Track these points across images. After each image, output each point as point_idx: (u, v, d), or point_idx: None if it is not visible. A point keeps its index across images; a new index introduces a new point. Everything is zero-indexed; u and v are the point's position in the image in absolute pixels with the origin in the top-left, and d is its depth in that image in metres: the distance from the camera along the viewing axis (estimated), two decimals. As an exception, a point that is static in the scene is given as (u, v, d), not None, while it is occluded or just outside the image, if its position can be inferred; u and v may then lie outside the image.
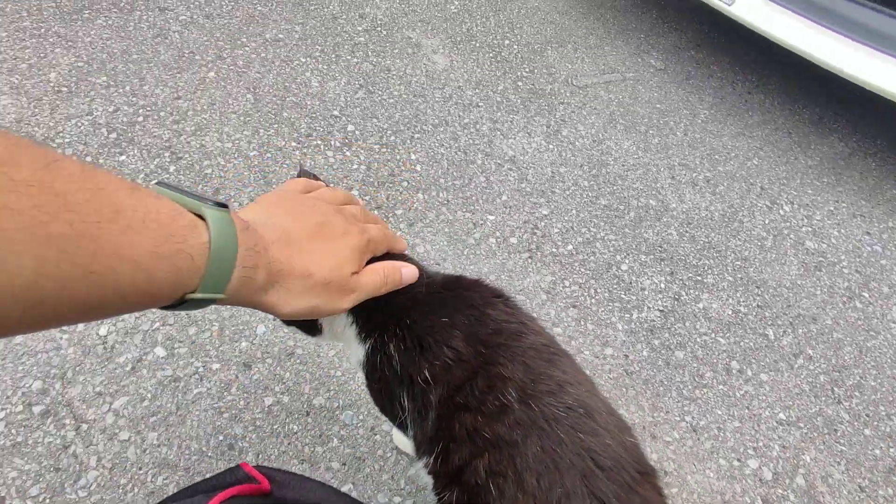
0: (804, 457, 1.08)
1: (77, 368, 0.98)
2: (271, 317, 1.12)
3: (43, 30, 1.70)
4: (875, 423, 1.16)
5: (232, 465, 0.91)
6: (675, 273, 1.37)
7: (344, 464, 0.95)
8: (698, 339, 1.24)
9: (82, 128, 1.44)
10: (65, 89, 1.54)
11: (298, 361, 1.06)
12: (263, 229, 0.41)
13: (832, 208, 1.65)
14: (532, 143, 1.66)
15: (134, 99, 1.54)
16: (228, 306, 1.13)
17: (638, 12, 2.41)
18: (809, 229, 1.56)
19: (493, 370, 0.52)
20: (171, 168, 1.37)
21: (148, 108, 1.53)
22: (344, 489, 0.92)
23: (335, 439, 0.97)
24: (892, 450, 1.13)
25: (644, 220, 1.49)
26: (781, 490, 1.02)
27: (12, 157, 0.24)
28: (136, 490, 0.87)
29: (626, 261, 1.38)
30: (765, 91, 2.09)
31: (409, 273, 0.54)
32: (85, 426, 0.92)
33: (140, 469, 0.89)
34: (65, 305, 0.27)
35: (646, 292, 1.31)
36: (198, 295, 0.35)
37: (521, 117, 1.74)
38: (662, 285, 1.34)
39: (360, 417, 1.01)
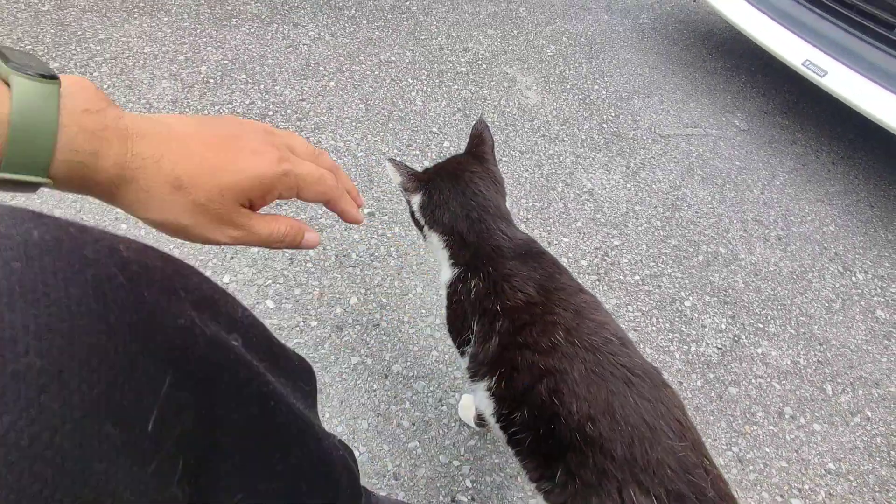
0: (851, 508, 1.09)
1: (203, 305, 1.16)
2: (363, 290, 1.28)
3: (199, 30, 2.01)
4: (931, 493, 1.15)
5: (320, 405, 1.05)
6: (737, 317, 1.42)
7: (413, 424, 1.06)
8: (753, 381, 1.28)
9: (223, 114, 1.69)
10: (212, 81, 1.81)
11: (382, 332, 1.20)
12: (143, 123, 0.37)
13: (908, 283, 1.65)
14: (611, 180, 1.77)
15: (266, 96, 1.79)
16: (322, 275, 1.30)
17: (727, 75, 2.51)
18: (882, 300, 1.57)
19: (548, 318, 0.67)
20: (293, 156, 1.58)
21: (277, 105, 1.77)
22: (411, 445, 1.03)
23: (407, 402, 1.09)
24: (946, 523, 1.12)
25: (712, 265, 1.56)
26: (823, 534, 1.04)
27: None
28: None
29: (690, 298, 1.44)
30: (850, 164, 2.11)
31: (310, 240, 0.46)
32: (206, 351, 1.09)
33: (245, 394, 1.05)
34: None
35: (706, 329, 1.37)
36: (4, 175, 0.31)
37: (602, 155, 1.87)
38: (723, 326, 1.39)
39: (431, 388, 1.13)
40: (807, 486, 1.11)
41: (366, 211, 1.46)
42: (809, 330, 1.43)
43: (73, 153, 0.33)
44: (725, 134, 2.12)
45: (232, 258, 1.26)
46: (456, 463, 1.03)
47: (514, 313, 0.69)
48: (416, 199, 0.82)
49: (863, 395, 1.30)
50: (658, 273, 1.49)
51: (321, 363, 1.12)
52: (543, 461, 0.64)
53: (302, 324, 1.18)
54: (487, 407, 0.72)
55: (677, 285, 1.47)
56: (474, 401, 0.81)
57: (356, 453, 1.01)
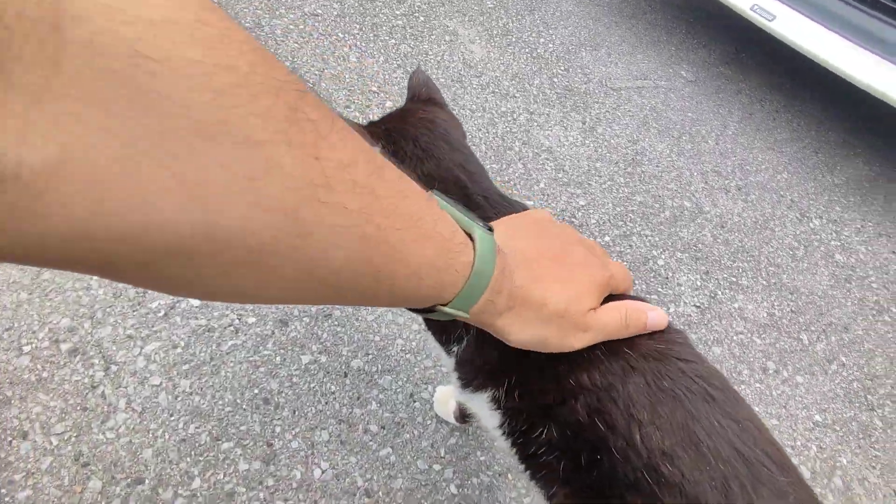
0: (841, 459, 1.06)
1: (108, 310, 0.94)
2: (309, 277, 1.09)
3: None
4: (908, 433, 1.16)
5: (267, 418, 0.87)
6: (711, 272, 1.36)
7: (383, 427, 0.91)
8: (735, 338, 1.23)
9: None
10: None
11: (336, 323, 1.03)
12: (509, 256, 0.39)
13: (859, 226, 1.67)
14: (568, 137, 1.65)
15: (171, 55, 1.51)
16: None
17: (668, 27, 2.44)
18: (838, 243, 1.57)
19: None
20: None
21: (185, 66, 1.50)
22: (382, 453, 0.88)
23: (374, 402, 0.94)
24: (924, 461, 1.12)
25: (679, 220, 1.49)
26: (820, 489, 1.00)
27: (355, 159, 0.26)
28: (166, 436, 0.83)
29: (663, 256, 1.37)
30: (792, 111, 2.12)
31: (656, 318, 0.46)
32: (114, 367, 0.88)
33: (171, 416, 0.85)
34: (349, 294, 0.29)
35: (682, 288, 1.30)
36: (448, 309, 0.35)
37: (557, 111, 1.74)
38: (699, 283, 1.33)
39: (399, 383, 0.97)
40: (798, 443, 1.07)
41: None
42: (779, 280, 1.40)
43: (490, 293, 0.36)
44: (674, 85, 2.06)
45: (141, 249, 1.03)
46: (437, 467, 0.89)
47: None
48: None
49: (836, 342, 1.29)
50: (628, 232, 1.40)
51: (265, 367, 0.94)
52: (584, 493, 0.48)
53: (237, 322, 0.98)
54: (490, 418, 0.56)
55: (648, 244, 1.39)
56: (470, 406, 0.65)
57: (317, 471, 0.84)
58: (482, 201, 0.57)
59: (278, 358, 0.95)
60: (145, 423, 0.83)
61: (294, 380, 0.93)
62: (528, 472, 0.53)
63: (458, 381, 0.59)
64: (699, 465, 0.41)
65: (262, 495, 0.80)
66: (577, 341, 0.42)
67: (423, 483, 0.86)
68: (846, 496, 1.01)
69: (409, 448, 0.90)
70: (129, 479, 0.77)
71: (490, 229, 0.37)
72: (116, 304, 0.95)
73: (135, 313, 0.95)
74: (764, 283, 1.38)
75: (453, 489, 0.87)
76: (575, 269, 0.42)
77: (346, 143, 0.26)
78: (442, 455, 0.90)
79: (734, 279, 1.36)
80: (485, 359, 0.54)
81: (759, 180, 1.72)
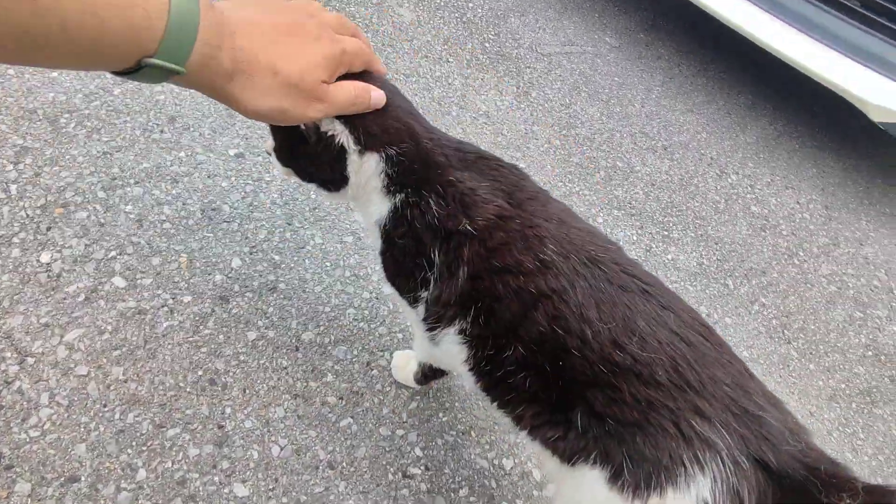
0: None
1: (15, 297, 0.83)
2: (246, 249, 1.02)
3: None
4: (817, 359, 1.29)
5: (215, 400, 0.82)
6: (645, 227, 1.43)
7: (341, 398, 0.88)
8: (671, 286, 1.29)
9: None
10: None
11: (282, 296, 0.97)
12: (231, 17, 0.39)
13: (769, 180, 1.81)
14: (504, 101, 1.65)
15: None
16: (188, 236, 1.01)
17: (591, -6, 2.49)
18: (753, 196, 1.70)
19: (529, 232, 0.54)
20: (116, 91, 1.20)
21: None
22: (342, 424, 0.86)
23: (329, 374, 0.90)
24: (830, 381, 1.26)
25: (613, 179, 1.54)
26: (750, 418, 1.10)
27: None
28: (101, 429, 0.75)
29: (601, 214, 1.42)
30: (706, 76, 2.24)
31: (377, 97, 0.52)
32: (31, 360, 0.78)
33: (104, 406, 0.77)
34: (3, 28, 0.27)
35: (621, 243, 1.35)
36: (155, 60, 0.33)
37: (491, 76, 1.73)
38: (635, 237, 1.39)
39: (355, 353, 0.94)
40: (731, 377, 1.16)
41: (232, 152, 1.17)
42: (705, 231, 1.50)
43: (205, 45, 0.36)
44: (600, 51, 2.12)
45: (49, 229, 0.91)
46: (400, 432, 0.87)
47: (486, 232, 0.54)
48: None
49: (756, 285, 1.40)
50: (567, 192, 1.44)
51: (207, 347, 0.87)
52: (549, 406, 0.52)
53: (171, 301, 0.90)
54: (458, 354, 0.58)
55: (587, 202, 1.43)
56: (432, 354, 0.66)
57: (276, 448, 0.80)
58: (429, 144, 0.58)
59: (221, 336, 0.89)
60: (74, 416, 0.75)
61: (241, 358, 0.88)
62: (495, 402, 0.56)
63: (426, 322, 0.59)
64: (646, 349, 0.45)
65: (217, 479, 0.75)
66: (314, 111, 0.45)
67: (387, 449, 0.85)
68: (772, 420, 1.12)
69: (371, 416, 0.88)
70: (62, 479, 0.70)
71: None
72: (25, 290, 0.84)
73: (49, 299, 0.84)
74: (692, 235, 1.47)
75: (418, 452, 0.86)
76: (307, 42, 0.44)
77: None
78: (404, 420, 0.89)
79: (666, 233, 1.44)
80: (451, 290, 0.55)
81: (682, 140, 1.82)
